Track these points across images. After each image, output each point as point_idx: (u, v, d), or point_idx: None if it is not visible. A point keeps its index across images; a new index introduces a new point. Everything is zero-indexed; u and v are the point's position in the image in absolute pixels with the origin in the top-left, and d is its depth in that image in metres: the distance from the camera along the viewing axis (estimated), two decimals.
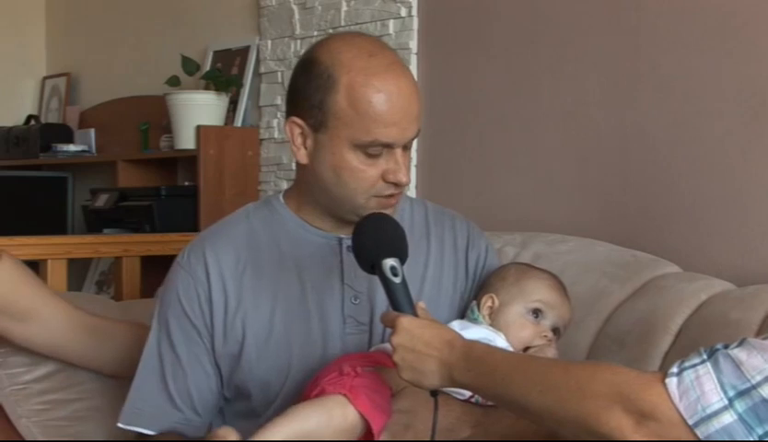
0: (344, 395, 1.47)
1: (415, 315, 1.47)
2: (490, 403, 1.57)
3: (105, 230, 3.67)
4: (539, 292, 1.70)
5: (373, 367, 1.54)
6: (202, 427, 1.74)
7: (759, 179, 2.14)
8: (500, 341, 1.62)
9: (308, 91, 1.62)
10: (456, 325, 1.62)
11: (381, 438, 1.49)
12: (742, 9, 2.18)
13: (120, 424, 1.74)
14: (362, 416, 1.47)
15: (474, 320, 1.67)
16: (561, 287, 1.74)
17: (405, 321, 1.44)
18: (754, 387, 1.19)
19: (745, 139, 2.17)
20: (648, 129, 2.36)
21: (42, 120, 4.52)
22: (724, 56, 2.21)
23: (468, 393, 1.56)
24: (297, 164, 1.70)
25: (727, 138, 2.21)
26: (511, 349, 1.62)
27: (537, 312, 1.68)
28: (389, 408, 1.51)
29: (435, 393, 1.45)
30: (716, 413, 1.19)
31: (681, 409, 1.20)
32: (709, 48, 2.24)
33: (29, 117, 4.53)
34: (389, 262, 1.50)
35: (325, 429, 1.46)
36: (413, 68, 2.89)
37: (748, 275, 2.03)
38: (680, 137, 2.29)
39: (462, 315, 1.74)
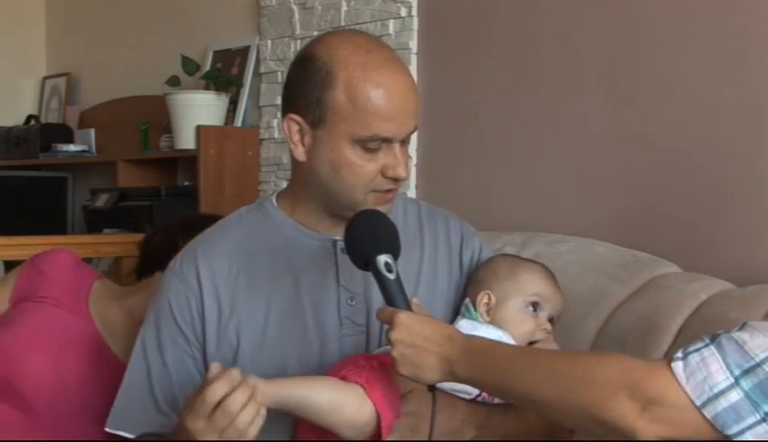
0: (362, 386, 1.46)
1: (410, 311, 1.47)
2: (496, 401, 1.57)
3: (105, 230, 3.67)
4: (534, 285, 1.69)
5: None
6: None
7: (759, 179, 2.14)
8: (511, 341, 1.62)
9: (306, 88, 1.61)
10: (465, 326, 1.62)
11: (389, 438, 1.49)
12: (742, 9, 2.18)
13: (106, 429, 1.72)
14: (375, 410, 1.46)
15: (474, 319, 1.67)
16: (552, 277, 1.74)
17: (403, 317, 1.44)
18: (759, 364, 1.20)
19: (745, 139, 2.17)
20: (648, 129, 2.35)
21: (42, 120, 4.53)
22: (724, 56, 2.21)
23: (474, 393, 1.56)
24: (294, 161, 1.70)
25: (726, 138, 2.20)
26: None
27: (535, 305, 1.68)
28: (399, 406, 1.51)
29: (432, 388, 1.45)
30: (723, 392, 1.20)
31: (689, 390, 1.21)
32: (709, 48, 2.24)
33: (29, 117, 4.53)
34: (383, 259, 1.50)
35: (336, 414, 1.45)
36: (413, 68, 2.89)
37: (748, 275, 2.03)
38: (679, 137, 2.29)
39: (457, 312, 1.74)
